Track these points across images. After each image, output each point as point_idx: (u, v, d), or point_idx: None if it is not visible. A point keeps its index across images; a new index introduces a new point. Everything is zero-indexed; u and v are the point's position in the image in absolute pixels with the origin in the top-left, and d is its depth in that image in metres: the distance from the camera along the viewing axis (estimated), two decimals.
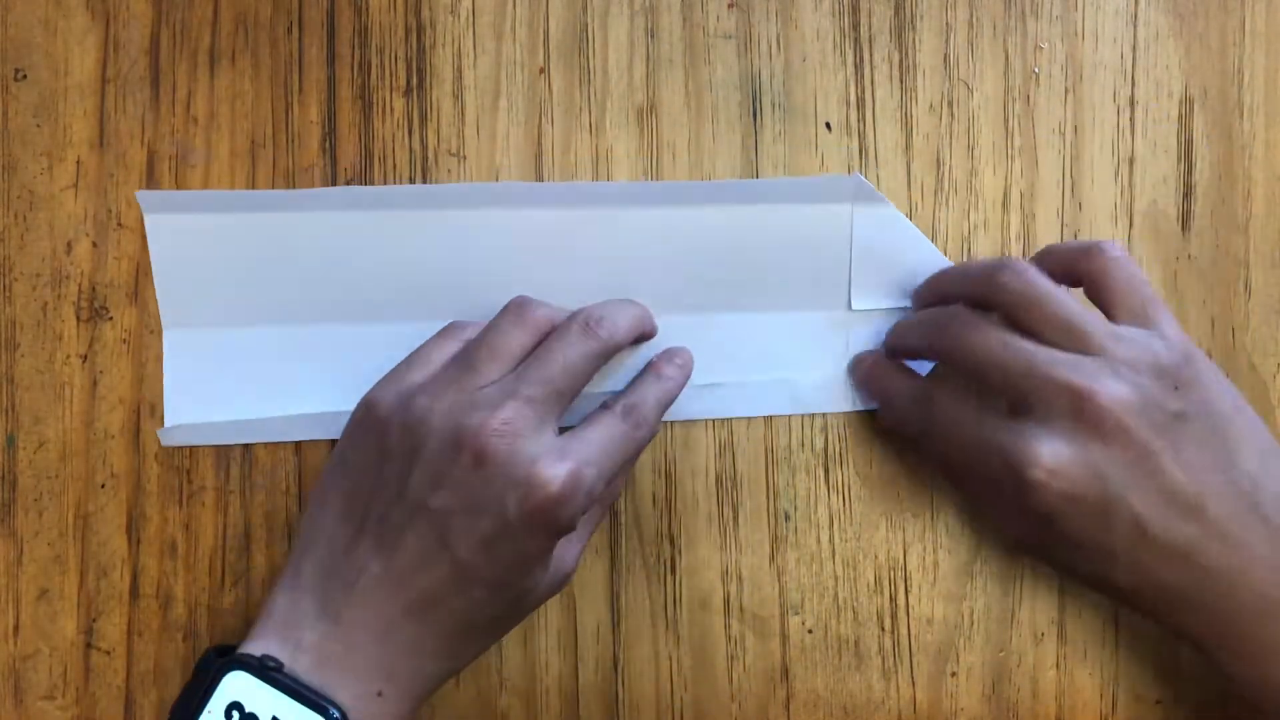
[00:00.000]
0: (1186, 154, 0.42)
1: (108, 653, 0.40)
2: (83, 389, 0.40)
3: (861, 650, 0.41)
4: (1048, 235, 0.41)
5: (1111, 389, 0.33)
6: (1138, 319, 0.35)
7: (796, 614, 0.41)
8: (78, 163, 0.40)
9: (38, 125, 0.40)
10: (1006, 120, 0.41)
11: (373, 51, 0.40)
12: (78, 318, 0.40)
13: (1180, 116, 0.42)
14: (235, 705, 0.32)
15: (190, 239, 0.39)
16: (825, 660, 0.41)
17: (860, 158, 0.41)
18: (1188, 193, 0.42)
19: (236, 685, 0.32)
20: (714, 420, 0.41)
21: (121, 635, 0.40)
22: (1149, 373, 0.33)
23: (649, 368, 0.39)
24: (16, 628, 0.39)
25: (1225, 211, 0.42)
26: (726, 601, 0.41)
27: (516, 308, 0.36)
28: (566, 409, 0.35)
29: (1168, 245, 0.41)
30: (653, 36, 0.41)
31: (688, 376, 0.39)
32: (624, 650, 0.40)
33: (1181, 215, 0.42)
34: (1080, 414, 0.33)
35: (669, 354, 0.39)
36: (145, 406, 0.40)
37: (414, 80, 0.40)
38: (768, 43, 0.41)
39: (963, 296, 0.37)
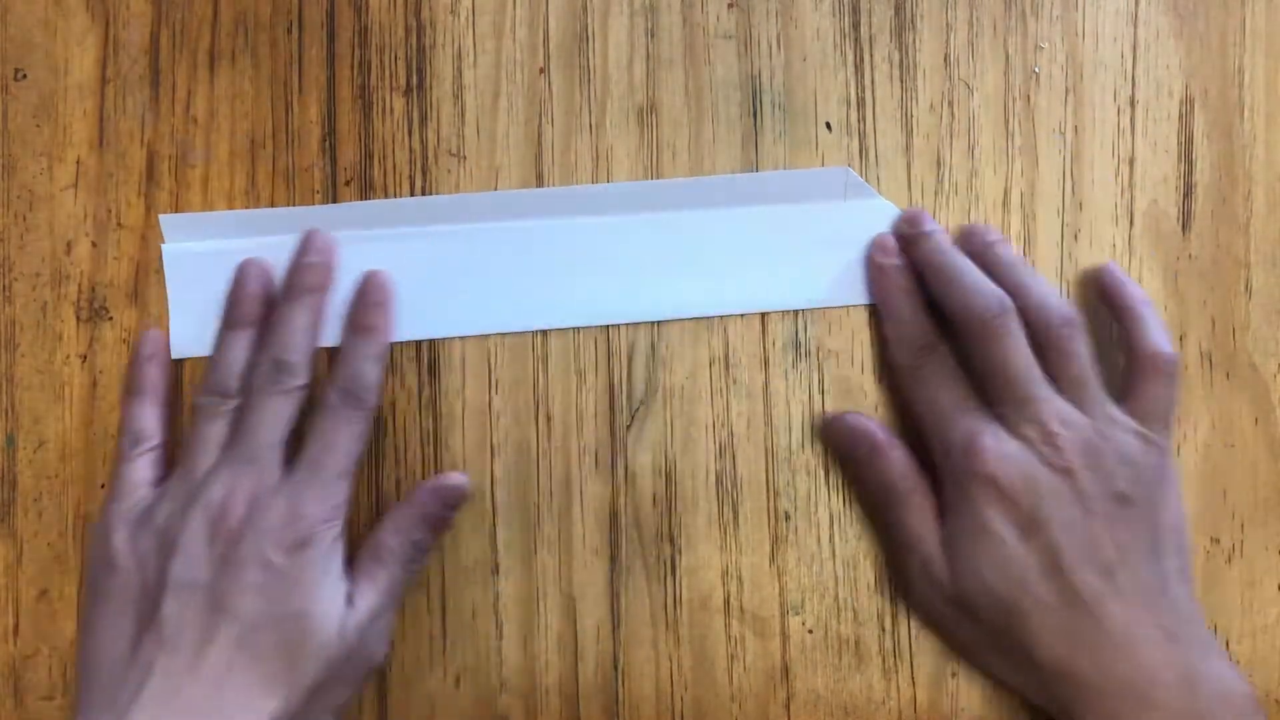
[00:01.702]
0: (1186, 154, 0.42)
1: None
2: (83, 389, 0.40)
3: (862, 650, 0.41)
4: (1048, 235, 0.41)
5: (1077, 440, 0.36)
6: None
7: (797, 614, 0.41)
8: (78, 163, 0.40)
9: (38, 125, 0.40)
10: (1007, 120, 0.41)
11: (373, 51, 0.40)
12: (78, 318, 0.40)
13: (1180, 116, 0.42)
14: None
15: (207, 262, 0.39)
16: (825, 660, 0.41)
17: (860, 158, 0.41)
18: (1188, 193, 0.42)
19: None
20: (714, 420, 0.40)
21: None
22: (1115, 456, 0.36)
23: (348, 323, 0.39)
24: (16, 628, 0.39)
25: (1225, 211, 0.42)
26: (726, 601, 0.41)
27: (202, 405, 0.37)
28: (283, 444, 0.37)
29: (1168, 245, 0.41)
30: (653, 36, 0.41)
31: (390, 312, 0.39)
32: (624, 650, 0.40)
33: (1181, 215, 0.42)
34: (1049, 440, 0.36)
35: (362, 297, 0.39)
36: None
37: (414, 80, 0.40)
38: (768, 43, 0.41)
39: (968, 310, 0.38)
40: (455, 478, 0.39)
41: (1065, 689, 0.36)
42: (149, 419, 0.38)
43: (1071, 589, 0.35)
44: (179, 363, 0.40)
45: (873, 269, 0.40)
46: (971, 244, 0.39)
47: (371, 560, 0.37)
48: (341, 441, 0.37)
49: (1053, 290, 0.38)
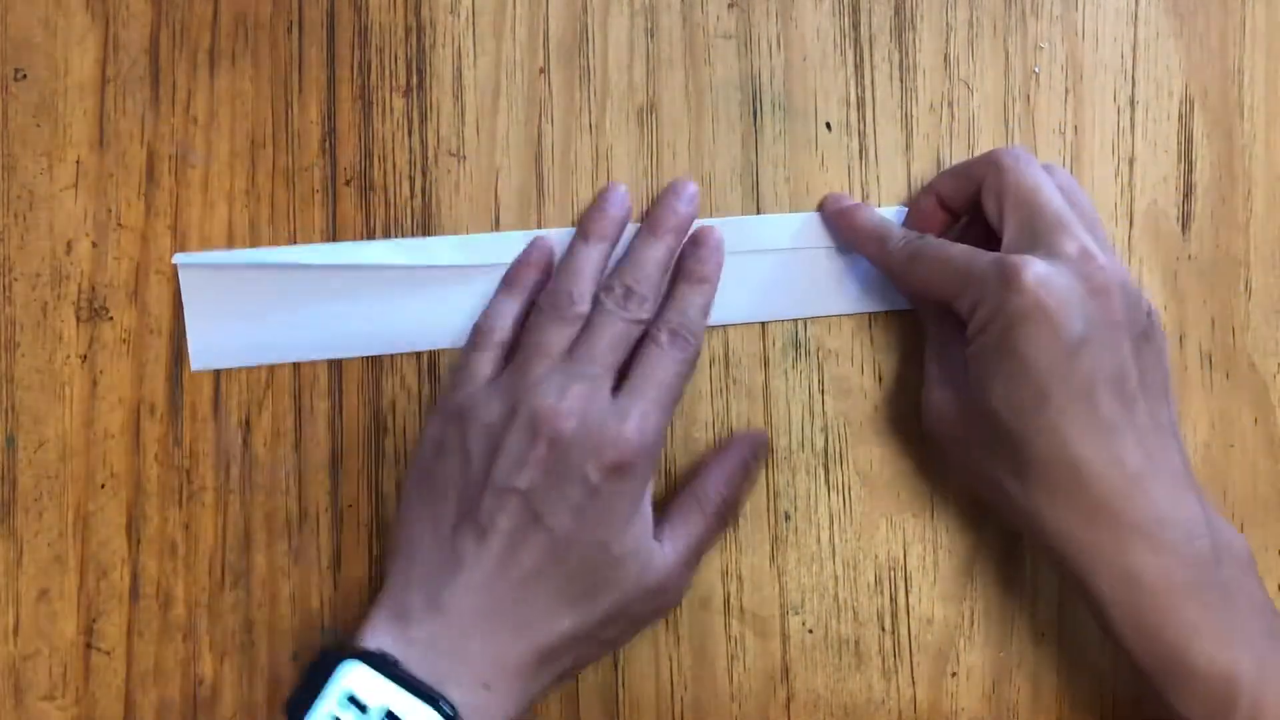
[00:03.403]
0: (1186, 154, 0.42)
1: (108, 653, 0.40)
2: (83, 389, 0.40)
3: (862, 650, 0.41)
4: None
5: (1115, 265, 0.35)
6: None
7: (797, 614, 0.41)
8: (78, 163, 0.40)
9: (38, 125, 0.40)
10: (1006, 120, 0.41)
11: (373, 51, 0.40)
12: (77, 318, 0.40)
13: (1180, 116, 0.42)
14: (351, 697, 0.32)
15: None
16: (825, 660, 0.41)
17: (860, 158, 0.41)
18: (1188, 193, 0.42)
19: (353, 677, 0.32)
20: (714, 420, 0.41)
21: (121, 635, 0.40)
22: (1136, 291, 0.36)
23: (680, 271, 0.39)
24: (16, 628, 0.39)
25: (1225, 211, 0.42)
26: (726, 601, 0.41)
27: (552, 305, 0.37)
28: (617, 370, 0.37)
29: (1168, 245, 0.41)
30: (653, 36, 0.41)
31: (720, 265, 0.39)
32: (624, 650, 0.40)
33: (1181, 215, 0.42)
34: (1088, 259, 0.34)
35: (695, 247, 0.39)
36: (145, 406, 0.40)
37: (414, 80, 0.40)
38: (768, 43, 0.41)
39: (967, 195, 0.38)
40: (757, 431, 0.40)
41: (1068, 520, 0.34)
42: (509, 315, 0.38)
43: (1097, 415, 0.34)
44: (216, 374, 0.40)
45: (833, 216, 0.40)
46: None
47: (688, 506, 0.38)
48: (667, 377, 0.36)
49: None
